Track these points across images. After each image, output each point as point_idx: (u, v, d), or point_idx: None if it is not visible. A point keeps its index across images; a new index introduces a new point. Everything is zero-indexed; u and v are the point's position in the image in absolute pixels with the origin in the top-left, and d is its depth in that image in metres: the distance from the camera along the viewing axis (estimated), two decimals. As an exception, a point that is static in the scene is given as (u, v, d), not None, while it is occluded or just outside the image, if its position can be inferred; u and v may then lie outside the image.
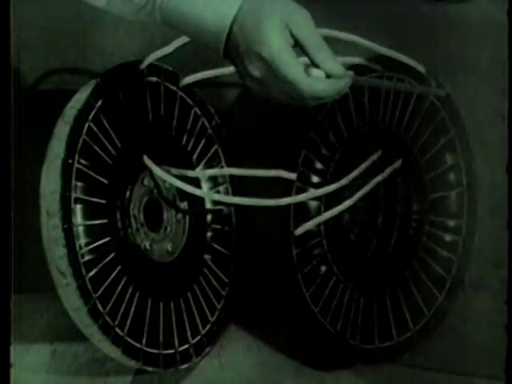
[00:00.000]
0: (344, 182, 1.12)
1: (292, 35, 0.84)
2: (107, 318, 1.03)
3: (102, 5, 0.90)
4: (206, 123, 1.19)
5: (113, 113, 1.07)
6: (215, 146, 1.20)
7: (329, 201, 1.15)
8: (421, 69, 1.05)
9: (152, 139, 1.12)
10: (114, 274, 1.04)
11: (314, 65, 0.84)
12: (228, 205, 1.20)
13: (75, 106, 1.04)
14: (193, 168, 1.17)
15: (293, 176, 1.17)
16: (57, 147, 1.02)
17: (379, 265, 1.09)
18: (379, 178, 1.09)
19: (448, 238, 1.02)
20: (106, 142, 1.06)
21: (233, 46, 0.85)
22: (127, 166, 1.09)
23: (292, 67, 0.83)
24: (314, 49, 0.84)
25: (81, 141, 1.03)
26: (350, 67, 1.13)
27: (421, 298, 1.02)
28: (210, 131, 1.19)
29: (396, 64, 1.07)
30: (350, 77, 0.86)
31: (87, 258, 1.02)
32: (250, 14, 0.84)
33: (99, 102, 1.05)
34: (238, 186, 1.20)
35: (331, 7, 1.18)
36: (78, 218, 1.02)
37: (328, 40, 1.02)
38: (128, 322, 1.05)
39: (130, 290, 1.06)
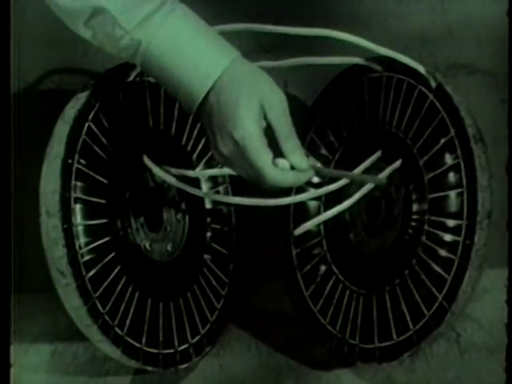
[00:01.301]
0: (344, 181, 1.12)
1: (265, 118, 0.86)
2: (107, 318, 1.03)
3: (88, 37, 0.91)
4: (206, 123, 1.19)
5: (113, 113, 1.07)
6: (215, 146, 1.20)
7: (328, 201, 1.16)
8: (421, 69, 1.05)
9: (152, 139, 1.12)
10: (114, 273, 1.04)
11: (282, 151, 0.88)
12: (228, 205, 1.20)
13: (75, 105, 1.03)
14: (193, 168, 1.17)
15: (293, 176, 1.18)
16: (56, 147, 1.01)
17: (379, 264, 1.09)
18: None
19: (448, 237, 1.01)
20: (105, 142, 1.06)
21: (206, 112, 0.87)
22: (127, 166, 1.09)
23: (260, 156, 0.86)
24: (283, 138, 0.87)
25: (80, 141, 1.03)
26: (350, 68, 1.13)
27: (420, 298, 1.02)
28: (209, 131, 1.19)
29: (396, 64, 1.07)
30: (314, 169, 0.90)
31: (87, 257, 1.02)
32: (229, 86, 0.86)
33: (99, 102, 1.05)
34: (238, 186, 1.20)
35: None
36: (78, 218, 1.02)
37: (327, 40, 1.02)
38: (128, 321, 1.05)
39: (130, 289, 1.06)
